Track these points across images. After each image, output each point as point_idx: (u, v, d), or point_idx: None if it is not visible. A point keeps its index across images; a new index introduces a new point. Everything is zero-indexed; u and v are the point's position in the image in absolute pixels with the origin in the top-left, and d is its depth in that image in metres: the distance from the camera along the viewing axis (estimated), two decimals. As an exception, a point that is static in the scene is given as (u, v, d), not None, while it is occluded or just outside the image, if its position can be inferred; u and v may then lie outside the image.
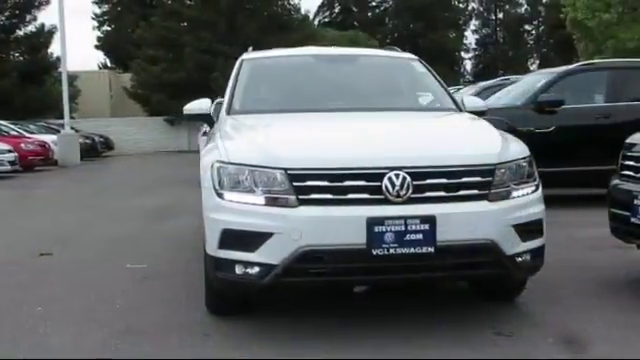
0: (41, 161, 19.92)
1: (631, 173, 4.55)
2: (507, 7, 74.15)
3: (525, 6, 70.93)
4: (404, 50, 6.02)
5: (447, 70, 53.10)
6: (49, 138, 21.42)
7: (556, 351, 3.56)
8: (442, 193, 3.65)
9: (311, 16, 46.38)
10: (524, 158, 3.97)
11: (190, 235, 7.34)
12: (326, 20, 63.90)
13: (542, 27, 68.22)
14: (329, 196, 3.59)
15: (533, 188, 3.95)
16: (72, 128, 23.53)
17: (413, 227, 3.54)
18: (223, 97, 6.42)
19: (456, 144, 4.01)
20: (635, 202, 4.32)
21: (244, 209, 3.67)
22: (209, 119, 5.01)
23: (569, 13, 26.08)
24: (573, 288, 4.78)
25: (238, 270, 3.70)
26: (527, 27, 71.51)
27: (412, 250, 3.54)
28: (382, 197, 3.58)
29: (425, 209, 3.58)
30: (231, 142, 3.99)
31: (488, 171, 3.74)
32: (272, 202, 3.62)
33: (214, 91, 29.25)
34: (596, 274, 5.18)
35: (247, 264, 3.67)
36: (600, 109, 8.87)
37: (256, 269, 3.65)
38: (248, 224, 3.64)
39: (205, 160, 4.10)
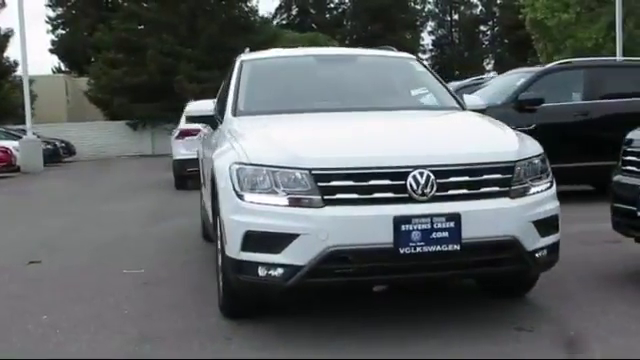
0: (3, 167, 19.45)
1: (634, 168, 4.64)
2: (462, 8, 75.22)
3: (480, 7, 71.98)
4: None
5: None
6: (11, 144, 20.90)
7: (579, 344, 3.60)
8: (465, 191, 3.66)
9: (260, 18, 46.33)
10: (539, 155, 4.01)
11: (178, 238, 7.32)
12: (284, 22, 63.77)
13: (497, 28, 69.25)
14: (354, 196, 3.57)
15: (548, 185, 4.00)
16: (33, 134, 23.02)
17: (439, 225, 3.54)
18: (216, 98, 6.43)
19: (476, 142, 4.04)
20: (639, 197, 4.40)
21: (267, 210, 3.62)
22: (212, 121, 4.93)
23: (528, 13, 26.50)
24: (577, 283, 4.83)
25: (261, 272, 3.66)
26: (482, 28, 72.53)
27: (438, 248, 3.55)
28: (407, 196, 3.58)
29: (450, 207, 3.59)
30: (248, 143, 3.93)
31: (508, 168, 3.77)
32: (296, 203, 3.58)
33: (177, 94, 29.03)
34: (594, 268, 5.26)
35: (271, 266, 3.62)
36: (578, 107, 9.04)
37: (280, 271, 3.61)
38: (273, 225, 3.59)
39: (219, 162, 4.05)
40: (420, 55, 70.73)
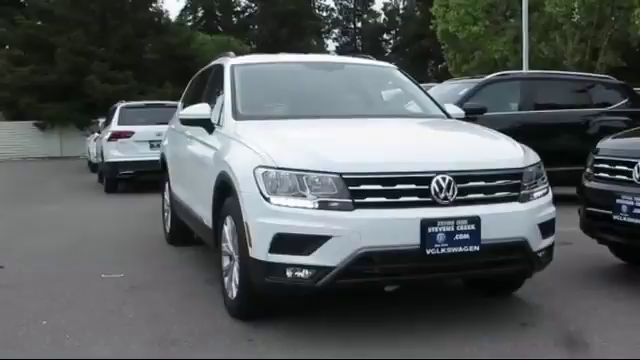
0: None
1: (607, 175, 5.02)
2: (365, 17, 76.87)
3: (383, 16, 73.76)
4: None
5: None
6: None
7: (580, 336, 3.90)
8: (481, 195, 3.89)
9: (172, 19, 45.64)
10: (538, 162, 4.30)
11: (139, 242, 7.27)
12: (189, 24, 63.00)
13: (399, 37, 71.14)
14: (382, 199, 3.73)
15: (546, 190, 4.29)
16: None
17: (461, 227, 3.76)
18: (182, 101, 6.43)
19: (487, 150, 4.29)
20: (617, 201, 4.78)
21: (297, 213, 3.72)
22: (208, 124, 4.95)
23: (439, 25, 27.50)
24: (555, 281, 5.11)
25: (289, 273, 3.75)
26: (386, 37, 74.35)
27: (460, 249, 3.76)
28: (430, 200, 3.77)
29: (470, 210, 3.81)
30: (270, 147, 4.00)
31: (517, 174, 4.04)
32: (327, 206, 3.70)
33: (89, 95, 28.16)
34: (564, 267, 5.57)
35: (300, 267, 3.72)
36: (515, 116, 9.55)
37: (310, 272, 3.71)
38: (303, 228, 3.69)
39: (237, 166, 4.10)
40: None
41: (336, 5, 74.63)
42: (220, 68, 5.54)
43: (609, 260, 5.71)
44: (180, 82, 33.19)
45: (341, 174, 3.71)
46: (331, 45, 73.94)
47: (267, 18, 61.61)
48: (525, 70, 18.65)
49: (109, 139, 12.85)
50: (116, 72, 28.15)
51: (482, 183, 3.91)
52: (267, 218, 3.78)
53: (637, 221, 4.64)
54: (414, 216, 3.70)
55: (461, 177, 3.84)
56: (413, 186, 3.77)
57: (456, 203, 3.80)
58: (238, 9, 65.42)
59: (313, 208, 3.71)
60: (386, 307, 4.50)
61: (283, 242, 3.73)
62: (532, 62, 22.27)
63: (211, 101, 5.54)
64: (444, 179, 3.79)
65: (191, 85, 6.98)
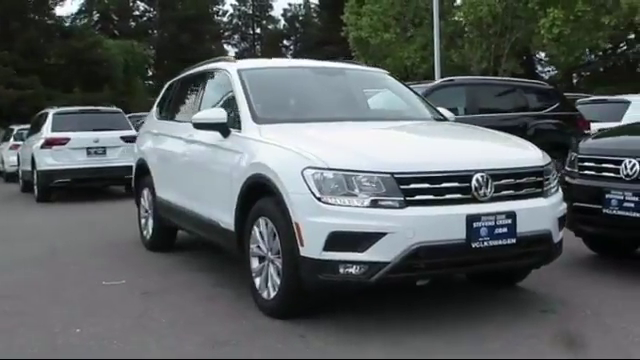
0: None
1: (594, 173, 5.46)
2: (264, 22, 77.10)
3: (283, 22, 74.23)
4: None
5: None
6: None
7: (601, 319, 4.26)
8: (513, 192, 4.20)
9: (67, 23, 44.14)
10: (551, 162, 4.65)
11: (118, 248, 7.18)
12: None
13: (300, 43, 71.76)
14: (430, 197, 3.95)
15: (558, 187, 4.65)
16: None
17: (500, 222, 4.04)
18: (158, 106, 6.43)
19: (512, 149, 4.61)
20: (607, 196, 5.21)
21: (351, 212, 3.88)
22: (224, 128, 5.01)
23: (352, 32, 28.08)
24: (550, 271, 5.34)
25: (342, 270, 3.90)
26: (286, 42, 74.80)
27: (499, 242, 4.04)
28: (471, 197, 4.03)
29: (506, 206, 4.10)
30: (316, 149, 4.14)
31: (540, 172, 4.37)
32: (380, 204, 3.88)
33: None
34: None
35: (354, 264, 3.88)
36: (462, 120, 10.00)
37: (363, 268, 3.87)
38: (358, 226, 3.86)
39: (280, 167, 4.20)
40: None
41: (235, 11, 74.50)
42: (222, 72, 5.60)
43: (583, 251, 6.15)
44: (89, 87, 32.35)
45: (393, 174, 3.91)
46: (231, 51, 73.70)
47: (167, 23, 60.58)
48: (437, 77, 19.42)
49: (42, 146, 12.40)
50: (21, 77, 26.97)
51: (512, 180, 4.21)
52: (321, 217, 3.91)
53: (627, 214, 5.09)
54: (460, 212, 3.95)
55: (496, 175, 4.12)
56: (456, 184, 4.02)
57: (493, 200, 4.08)
58: (136, 13, 63.96)
59: (366, 206, 3.88)
60: (414, 301, 4.72)
61: (338, 240, 3.88)
62: (443, 69, 23.21)
63: (212, 105, 5.60)
64: (482, 177, 4.06)
65: (172, 90, 6.94)
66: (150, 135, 6.97)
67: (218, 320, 4.43)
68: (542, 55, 40.07)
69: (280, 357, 3.73)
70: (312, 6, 72.27)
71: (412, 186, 3.92)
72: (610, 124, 10.82)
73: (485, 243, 3.99)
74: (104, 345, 3.97)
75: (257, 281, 4.56)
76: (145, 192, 6.99)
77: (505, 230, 4.05)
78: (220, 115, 5.00)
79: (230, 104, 5.23)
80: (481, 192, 4.04)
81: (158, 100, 7.25)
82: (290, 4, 73.28)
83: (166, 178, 6.30)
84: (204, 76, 6.05)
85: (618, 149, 5.37)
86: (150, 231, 6.88)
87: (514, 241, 4.08)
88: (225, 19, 71.65)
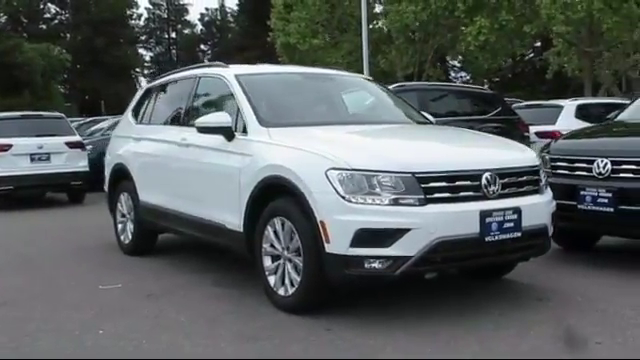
0: None
1: (567, 172, 5.90)
2: (180, 27, 76.33)
3: (200, 27, 73.69)
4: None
5: (128, 87, 53.16)
6: None
7: (593, 305, 4.65)
8: (515, 189, 4.54)
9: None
10: (540, 162, 5.03)
11: (96, 253, 7.12)
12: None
13: (217, 48, 71.37)
14: (447, 195, 4.24)
15: (547, 185, 5.03)
16: None
17: (508, 217, 4.37)
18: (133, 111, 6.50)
19: (510, 150, 4.94)
20: (582, 193, 5.66)
21: (376, 210, 4.12)
22: (229, 132, 5.14)
23: (280, 37, 28.31)
24: (527, 265, 5.66)
25: (367, 265, 4.14)
26: (203, 47, 74.27)
27: (507, 235, 4.37)
28: (481, 194, 4.35)
29: (512, 202, 4.44)
30: (339, 151, 4.35)
31: (536, 171, 4.75)
32: (403, 202, 4.14)
33: None
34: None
35: (379, 258, 4.12)
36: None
37: (388, 262, 4.12)
38: (384, 223, 4.10)
39: (301, 168, 4.39)
40: (139, 71, 70.18)
41: (149, 14, 73.41)
42: (217, 77, 5.71)
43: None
44: (9, 92, 31.10)
45: (414, 173, 4.17)
46: (146, 55, 72.56)
47: (81, 25, 59.02)
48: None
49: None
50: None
51: (515, 179, 4.55)
52: (347, 215, 4.13)
53: (601, 209, 5.54)
54: (474, 209, 4.26)
55: (501, 174, 4.46)
56: (469, 182, 4.32)
57: (500, 197, 4.41)
58: (47, 16, 61.96)
59: (390, 204, 4.13)
60: (419, 294, 4.99)
61: (365, 236, 4.11)
62: (370, 74, 23.78)
63: (205, 110, 5.73)
64: (491, 176, 4.38)
65: (151, 95, 6.96)
66: (128, 140, 6.96)
67: (237, 318, 4.56)
68: (455, 62, 41.80)
69: (317, 349, 3.91)
70: (229, 11, 72.15)
71: (431, 185, 4.20)
72: (545, 127, 11.56)
73: (496, 237, 4.31)
74: (136, 345, 4.04)
75: (271, 279, 4.72)
76: (123, 197, 6.98)
77: (512, 225, 4.39)
78: (225, 119, 5.13)
79: (229, 108, 5.35)
80: (490, 190, 4.36)
81: (134, 105, 7.25)
82: (207, 8, 72.96)
83: (153, 182, 6.33)
84: (193, 81, 6.12)
85: (589, 150, 5.83)
86: (130, 235, 6.88)
87: (519, 235, 4.42)
88: (141, 22, 70.35)
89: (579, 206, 5.69)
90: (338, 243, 4.15)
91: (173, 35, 77.21)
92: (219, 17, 73.23)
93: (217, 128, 5.16)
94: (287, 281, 4.59)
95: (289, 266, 4.57)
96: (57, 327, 4.47)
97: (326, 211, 4.20)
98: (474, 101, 11.43)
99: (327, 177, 4.22)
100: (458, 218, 4.21)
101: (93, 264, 6.55)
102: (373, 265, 4.14)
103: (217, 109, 5.49)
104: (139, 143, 6.70)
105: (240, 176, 4.95)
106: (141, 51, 71.25)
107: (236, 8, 66.58)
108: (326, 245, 4.20)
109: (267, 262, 4.76)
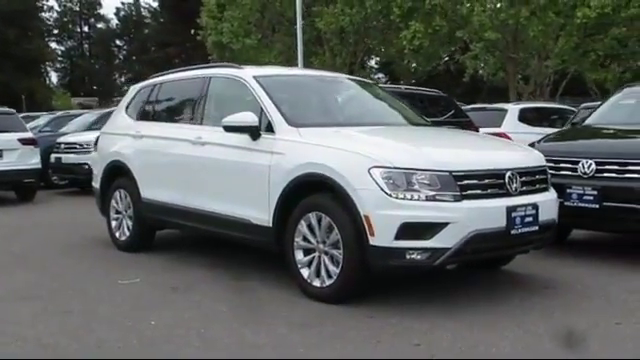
0: None
1: (553, 171, 6.40)
2: (92, 21, 74.46)
3: (116, 21, 72.09)
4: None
5: (38, 82, 51.64)
6: None
7: (592, 292, 5.16)
8: (530, 187, 5.00)
9: None
10: None
11: (90, 248, 7.13)
12: None
13: (135, 43, 70.03)
14: (478, 191, 4.65)
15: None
16: None
17: (528, 212, 4.82)
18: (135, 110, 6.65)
19: (521, 151, 5.39)
20: (568, 191, 6.19)
21: (418, 205, 4.47)
22: (255, 131, 5.36)
23: (211, 36, 28.25)
24: (519, 257, 6.24)
25: (408, 256, 4.49)
26: (119, 42, 72.71)
27: (528, 229, 4.82)
28: (505, 191, 4.77)
29: (530, 198, 4.89)
30: (379, 150, 4.69)
31: (544, 170, 5.23)
32: (441, 198, 4.50)
33: None
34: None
35: (420, 250, 4.47)
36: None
37: (427, 253, 4.48)
38: (426, 217, 4.46)
39: (342, 166, 4.67)
40: (51, 65, 67.94)
41: (60, 7, 71.23)
42: (233, 78, 5.91)
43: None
44: None
45: (451, 172, 4.55)
46: (57, 49, 70.36)
47: (-11, 17, 56.55)
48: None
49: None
50: None
51: (530, 177, 5.01)
52: (391, 210, 4.46)
53: (587, 205, 6.09)
54: (501, 204, 4.68)
55: (520, 173, 4.91)
56: (494, 180, 4.74)
57: (521, 193, 4.86)
58: (-48, 6, 58.95)
59: (430, 200, 4.49)
60: (438, 283, 5.38)
61: (408, 230, 4.45)
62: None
63: (221, 110, 5.92)
64: (512, 174, 4.82)
65: (153, 92, 7.01)
66: (125, 137, 7.01)
67: (277, 307, 4.79)
68: (372, 63, 42.94)
69: (372, 333, 4.21)
70: (145, 6, 70.93)
71: (465, 182, 4.59)
72: (491, 129, 12.22)
73: (519, 230, 4.75)
74: (200, 334, 4.22)
75: (305, 272, 4.98)
76: (118, 194, 7.04)
77: (531, 219, 4.84)
78: (252, 119, 5.34)
79: (248, 108, 5.52)
80: (513, 187, 4.79)
81: (127, 102, 7.32)
82: (123, 3, 71.28)
83: (160, 179, 6.43)
84: (202, 81, 6.26)
85: (574, 151, 6.38)
86: (127, 232, 6.95)
87: (537, 228, 4.88)
88: (55, 15, 68.12)
89: (566, 203, 6.20)
90: (383, 236, 4.47)
91: (86, 29, 75.22)
92: (136, 12, 71.84)
93: (244, 127, 5.37)
94: (323, 273, 4.86)
95: (326, 259, 4.85)
96: (105, 319, 4.59)
97: (371, 206, 4.51)
98: (429, 104, 11.93)
99: (370, 174, 4.53)
100: (489, 213, 4.62)
101: (93, 260, 6.60)
102: (414, 256, 4.49)
103: (235, 109, 5.62)
104: (141, 140, 6.78)
105: (270, 173, 5.18)
106: (52, 45, 69.02)
107: (154, 4, 65.58)
108: (370, 238, 4.52)
109: (299, 255, 5.03)
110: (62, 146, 13.81)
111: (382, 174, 4.52)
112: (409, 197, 4.48)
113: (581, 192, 6.14)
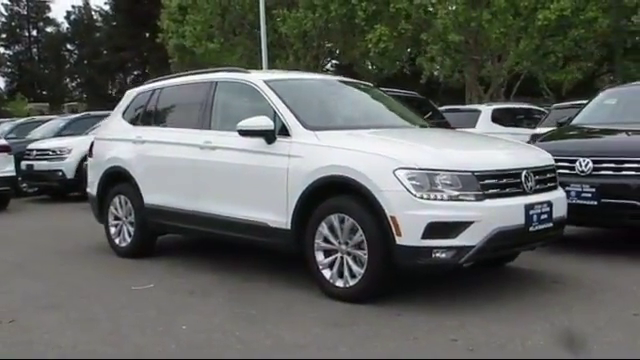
0: None
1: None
2: (41, 24, 72.94)
3: (67, 25, 70.74)
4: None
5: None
6: None
7: (601, 285, 5.36)
8: (543, 185, 5.17)
9: None
10: None
11: (88, 255, 7.08)
12: None
13: (85, 48, 68.79)
14: (497, 190, 4.79)
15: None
16: None
17: (543, 209, 5.00)
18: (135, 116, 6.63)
19: (532, 151, 5.56)
20: (567, 188, 6.36)
21: (444, 204, 4.60)
22: (271, 135, 5.41)
23: (173, 39, 28.05)
24: (527, 253, 6.31)
25: (434, 255, 4.61)
26: (70, 46, 71.38)
27: (543, 225, 5.00)
28: (521, 190, 4.94)
29: (544, 197, 5.07)
30: (403, 152, 4.81)
31: (554, 169, 5.41)
32: (465, 197, 4.64)
33: None
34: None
35: (446, 248, 4.60)
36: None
37: (453, 252, 4.61)
38: (451, 216, 4.59)
39: (367, 168, 4.76)
40: (-2, 70, 66.36)
41: (7, 11, 69.64)
42: (242, 82, 5.96)
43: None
44: None
45: (473, 172, 4.69)
46: (4, 53, 68.77)
47: None
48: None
49: None
50: None
51: (542, 176, 5.19)
52: (418, 210, 4.57)
53: (585, 202, 6.32)
54: (520, 202, 4.84)
55: (534, 172, 5.08)
56: (512, 180, 4.90)
57: (535, 192, 5.03)
58: None
59: (455, 200, 4.62)
60: (449, 282, 5.51)
61: (435, 229, 4.57)
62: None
63: (231, 114, 5.96)
64: (528, 173, 4.99)
65: (153, 97, 6.97)
66: (124, 142, 6.96)
67: (303, 308, 4.86)
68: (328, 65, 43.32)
69: (405, 330, 4.31)
70: (97, 9, 69.77)
71: (486, 182, 4.73)
72: (467, 130, 12.47)
73: (536, 227, 4.92)
74: (237, 336, 4.25)
75: (326, 273, 5.06)
76: (118, 200, 7.00)
77: (546, 216, 5.02)
78: (268, 123, 5.39)
79: (260, 112, 5.56)
80: (528, 186, 4.96)
81: (124, 108, 7.28)
82: (74, 6, 70.14)
83: (165, 184, 6.41)
84: (208, 86, 6.27)
85: (571, 150, 6.60)
86: (128, 238, 6.92)
87: (551, 225, 5.06)
88: (2, 19, 66.59)
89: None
90: (410, 236, 4.58)
91: (34, 33, 73.62)
92: (86, 15, 70.56)
93: (260, 131, 5.41)
94: (347, 273, 4.94)
95: (349, 259, 4.93)
96: (134, 325, 4.58)
97: (397, 207, 4.62)
98: (409, 105, 12.11)
99: (396, 176, 4.64)
100: (509, 211, 4.77)
101: (95, 267, 6.56)
102: (440, 255, 4.61)
103: (246, 113, 5.65)
104: (142, 145, 6.74)
105: (288, 176, 5.23)
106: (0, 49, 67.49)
107: (106, 7, 64.61)
108: (397, 238, 4.62)
109: (320, 257, 5.10)
110: (34, 153, 13.59)
111: (407, 175, 4.63)
112: (434, 197, 4.60)
113: (579, 189, 6.36)
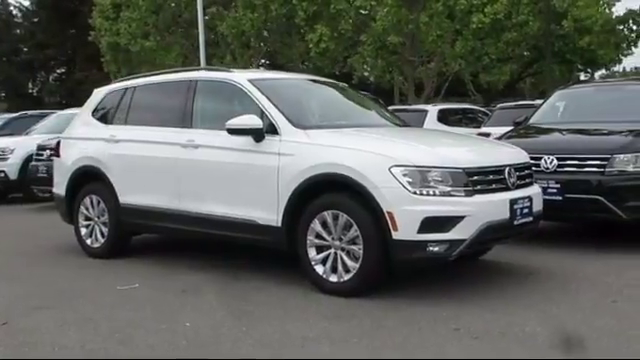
0: None
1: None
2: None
3: (-16, 22, 67.93)
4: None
5: None
6: None
7: (573, 276, 5.67)
8: (523, 181, 5.45)
9: None
10: None
11: (62, 254, 6.97)
12: None
13: (4, 45, 66.26)
14: (485, 186, 5.03)
15: (533, 177, 5.99)
16: None
17: (525, 204, 5.27)
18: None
19: (512, 149, 5.82)
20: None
21: (438, 200, 4.80)
22: (260, 133, 5.48)
23: (105, 37, 27.48)
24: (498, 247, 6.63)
25: (428, 249, 4.80)
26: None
27: (525, 219, 5.28)
28: (505, 186, 5.19)
29: (525, 192, 5.35)
30: (397, 150, 4.98)
31: (529, 166, 5.70)
32: (456, 193, 4.85)
33: None
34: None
35: (440, 242, 4.80)
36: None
37: (446, 245, 4.81)
38: (446, 211, 4.79)
39: (363, 165, 4.90)
40: None
41: None
42: (225, 81, 6.00)
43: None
44: None
45: (464, 169, 4.90)
46: None
47: None
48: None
49: None
50: None
51: (521, 172, 5.46)
52: (414, 206, 4.75)
53: (551, 197, 6.63)
54: (505, 197, 5.09)
55: (515, 168, 5.35)
56: (497, 176, 5.15)
57: (517, 187, 5.30)
58: None
59: (447, 195, 4.83)
60: (431, 275, 5.71)
61: (430, 223, 4.76)
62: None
63: (215, 113, 6.01)
64: (510, 170, 5.25)
65: (120, 97, 6.90)
66: (96, 141, 6.87)
67: (299, 303, 4.96)
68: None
69: (410, 320, 4.48)
70: (17, 4, 67.33)
71: (475, 178, 4.96)
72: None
73: (519, 220, 5.19)
74: (245, 331, 4.31)
75: (319, 269, 5.17)
76: (89, 200, 6.91)
77: (527, 210, 5.30)
78: (257, 121, 5.45)
79: (245, 111, 5.62)
80: (511, 181, 5.22)
81: (94, 107, 7.18)
82: (-10, 2, 67.19)
83: (143, 183, 6.37)
84: (187, 84, 6.26)
85: (536, 148, 6.89)
86: (101, 239, 6.84)
87: (532, 219, 5.35)
88: None
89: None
90: (406, 230, 4.75)
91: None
92: (4, 11, 67.97)
93: (249, 130, 5.47)
94: (340, 268, 5.07)
95: (343, 255, 5.06)
96: (135, 324, 4.57)
97: (394, 203, 4.78)
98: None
99: (391, 173, 4.80)
100: (497, 206, 5.02)
101: (71, 268, 6.48)
102: (434, 248, 4.80)
103: (230, 112, 5.71)
104: (117, 145, 6.67)
105: (279, 174, 5.32)
106: None
107: (26, 3, 62.45)
108: (393, 233, 4.78)
109: (312, 253, 5.21)
110: (-28, 154, 13.12)
111: (402, 172, 4.80)
112: (427, 193, 4.79)
113: (545, 185, 6.66)
